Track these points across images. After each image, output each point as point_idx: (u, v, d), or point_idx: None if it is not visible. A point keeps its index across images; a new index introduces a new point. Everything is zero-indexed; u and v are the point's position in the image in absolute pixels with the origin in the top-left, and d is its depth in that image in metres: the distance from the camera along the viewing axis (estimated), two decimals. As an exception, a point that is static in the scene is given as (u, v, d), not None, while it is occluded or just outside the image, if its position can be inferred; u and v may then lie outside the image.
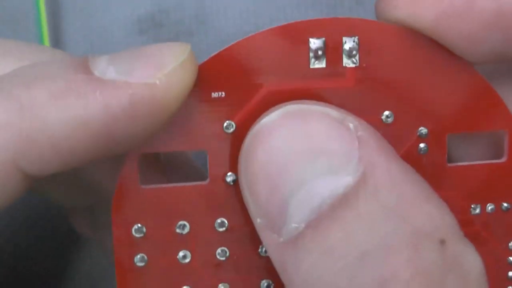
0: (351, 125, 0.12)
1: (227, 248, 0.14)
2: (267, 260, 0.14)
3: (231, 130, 0.14)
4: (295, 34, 0.14)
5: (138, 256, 0.14)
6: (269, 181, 0.12)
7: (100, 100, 0.12)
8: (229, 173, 0.14)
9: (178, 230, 0.14)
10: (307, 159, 0.12)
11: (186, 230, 0.14)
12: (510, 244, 0.15)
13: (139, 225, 0.14)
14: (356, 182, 0.12)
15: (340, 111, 0.13)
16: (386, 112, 0.14)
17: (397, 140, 0.14)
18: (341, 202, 0.12)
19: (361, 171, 0.12)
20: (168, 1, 0.21)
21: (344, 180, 0.12)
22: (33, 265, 0.19)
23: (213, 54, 0.14)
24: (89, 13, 0.20)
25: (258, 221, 0.13)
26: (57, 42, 0.20)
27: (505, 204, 0.15)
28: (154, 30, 0.20)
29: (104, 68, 0.12)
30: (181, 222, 0.14)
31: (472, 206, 0.15)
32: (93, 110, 0.12)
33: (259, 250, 0.14)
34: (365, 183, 0.12)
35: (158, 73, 0.12)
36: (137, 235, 0.14)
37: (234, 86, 0.14)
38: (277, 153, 0.12)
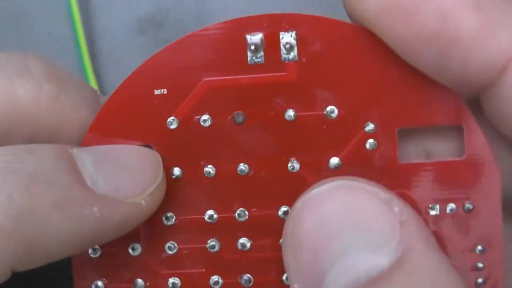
0: (396, 208, 0.13)
1: (176, 242, 0.15)
2: (216, 255, 0.15)
3: (175, 126, 0.14)
4: (233, 30, 0.14)
5: (90, 249, 0.15)
6: (312, 250, 0.13)
7: (96, 214, 0.13)
8: (175, 168, 0.14)
9: None
10: (351, 234, 0.13)
11: None
12: (477, 248, 0.14)
13: None
14: (392, 265, 0.12)
15: (388, 193, 0.13)
16: (329, 107, 0.14)
17: (343, 135, 0.14)
18: (376, 282, 0.12)
19: (399, 254, 0.12)
20: (168, 1, 0.21)
21: (381, 261, 0.12)
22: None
23: (154, 53, 0.14)
24: (89, 13, 0.21)
25: (295, 286, 0.13)
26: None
27: (467, 205, 0.14)
28: (154, 30, 0.21)
29: (93, 175, 0.13)
30: None
31: (430, 206, 0.14)
32: (87, 223, 0.13)
33: (207, 245, 0.15)
34: (400, 266, 0.12)
35: (142, 193, 0.14)
36: None
37: (175, 83, 0.14)
38: (323, 224, 0.13)
